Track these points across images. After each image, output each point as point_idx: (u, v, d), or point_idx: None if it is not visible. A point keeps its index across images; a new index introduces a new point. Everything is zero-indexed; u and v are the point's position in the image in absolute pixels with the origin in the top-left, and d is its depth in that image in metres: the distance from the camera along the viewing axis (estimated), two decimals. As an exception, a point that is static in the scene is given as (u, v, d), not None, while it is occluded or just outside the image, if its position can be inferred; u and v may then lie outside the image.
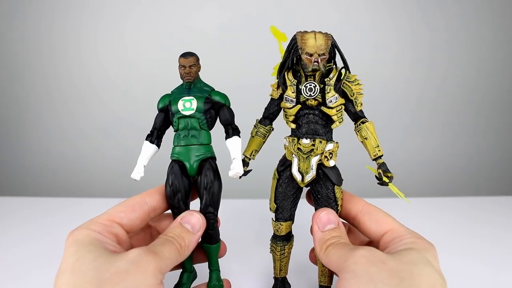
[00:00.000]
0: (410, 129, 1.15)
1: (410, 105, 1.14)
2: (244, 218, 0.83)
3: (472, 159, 1.19)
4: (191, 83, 0.47)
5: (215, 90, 0.48)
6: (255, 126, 0.50)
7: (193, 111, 0.45)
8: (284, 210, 0.48)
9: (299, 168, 0.45)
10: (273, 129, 0.50)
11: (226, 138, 0.47)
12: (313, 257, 0.51)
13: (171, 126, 0.48)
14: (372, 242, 0.44)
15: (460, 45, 1.11)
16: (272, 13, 1.05)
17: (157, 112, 0.48)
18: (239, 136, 0.46)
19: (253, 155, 0.49)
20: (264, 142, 0.50)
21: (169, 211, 0.47)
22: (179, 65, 0.46)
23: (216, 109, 0.47)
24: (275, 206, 0.48)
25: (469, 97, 1.15)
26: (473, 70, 1.13)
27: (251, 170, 0.49)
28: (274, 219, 0.49)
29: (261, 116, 0.50)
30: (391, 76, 1.11)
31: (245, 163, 0.49)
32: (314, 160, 0.45)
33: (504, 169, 1.20)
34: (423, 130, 1.16)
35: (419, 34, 1.09)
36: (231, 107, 0.48)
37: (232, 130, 0.46)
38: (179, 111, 0.46)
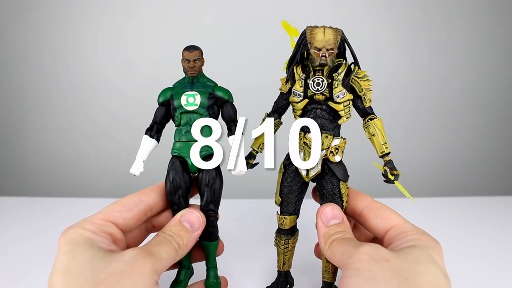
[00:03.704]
0: (410, 129, 1.15)
1: (410, 105, 1.14)
2: (247, 218, 0.83)
3: (472, 159, 1.19)
4: (195, 78, 0.46)
5: (218, 85, 0.47)
6: (263, 120, 0.49)
7: (196, 107, 0.45)
8: (289, 204, 0.48)
9: None
10: (281, 123, 0.49)
11: (229, 135, 0.46)
12: (318, 251, 0.51)
13: (170, 121, 0.48)
14: (377, 239, 0.44)
15: (461, 46, 1.11)
16: (271, 13, 1.04)
17: (157, 106, 0.47)
18: (242, 133, 0.45)
19: (261, 148, 0.49)
20: None
21: None
22: (183, 58, 0.45)
23: (219, 105, 0.47)
24: (280, 199, 0.48)
25: (470, 97, 1.15)
26: (474, 70, 1.13)
27: (258, 163, 0.49)
28: (279, 213, 0.49)
29: (270, 110, 0.49)
30: (391, 76, 1.11)
31: (252, 155, 0.49)
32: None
33: (504, 169, 1.21)
34: (423, 130, 1.16)
35: (420, 35, 1.09)
36: (234, 103, 0.47)
37: (235, 127, 0.45)
38: (182, 106, 0.45)
